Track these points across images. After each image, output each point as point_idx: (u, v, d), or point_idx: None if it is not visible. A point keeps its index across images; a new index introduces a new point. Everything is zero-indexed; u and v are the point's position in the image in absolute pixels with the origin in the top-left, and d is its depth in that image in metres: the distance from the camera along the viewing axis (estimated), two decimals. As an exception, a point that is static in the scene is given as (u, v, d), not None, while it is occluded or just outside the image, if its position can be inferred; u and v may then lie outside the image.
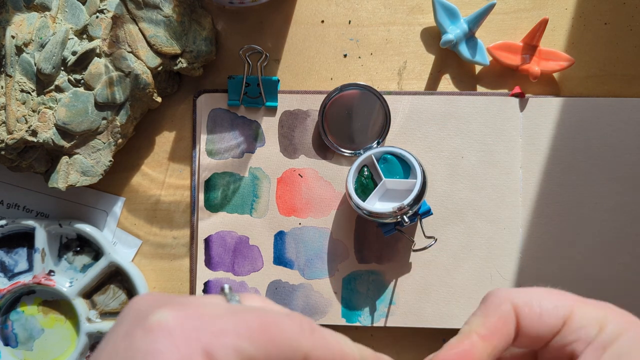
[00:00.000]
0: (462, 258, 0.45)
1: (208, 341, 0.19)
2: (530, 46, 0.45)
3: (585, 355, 0.23)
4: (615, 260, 0.44)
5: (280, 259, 0.45)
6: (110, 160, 0.43)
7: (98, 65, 0.42)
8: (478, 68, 0.46)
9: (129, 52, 0.42)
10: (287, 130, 0.45)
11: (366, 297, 0.45)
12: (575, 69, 0.45)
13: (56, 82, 0.42)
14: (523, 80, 0.45)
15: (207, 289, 0.45)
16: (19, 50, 0.41)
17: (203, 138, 0.45)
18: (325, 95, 0.45)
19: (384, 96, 0.44)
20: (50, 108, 0.42)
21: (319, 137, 0.45)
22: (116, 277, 0.45)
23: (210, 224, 0.45)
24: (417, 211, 0.42)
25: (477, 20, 0.43)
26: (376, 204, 0.42)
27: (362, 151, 0.44)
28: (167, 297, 0.21)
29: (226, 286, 0.23)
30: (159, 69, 0.43)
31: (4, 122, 0.41)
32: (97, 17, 0.42)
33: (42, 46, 0.41)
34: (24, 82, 0.41)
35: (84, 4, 0.42)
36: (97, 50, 0.42)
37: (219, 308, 0.20)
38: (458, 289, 0.45)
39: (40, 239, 0.44)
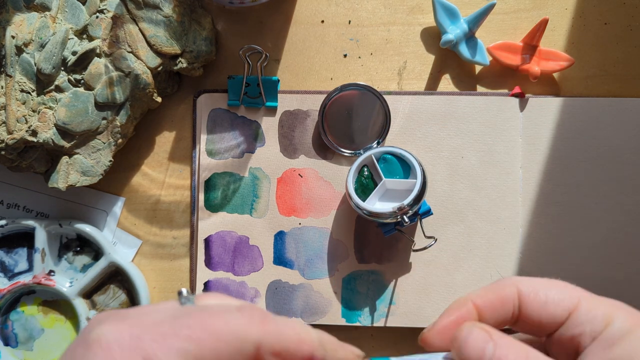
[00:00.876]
0: (462, 258, 0.45)
1: (148, 349, 0.19)
2: (530, 46, 0.45)
3: (591, 350, 0.23)
4: (615, 260, 0.44)
5: (280, 259, 0.45)
6: (110, 160, 0.43)
7: (98, 65, 0.42)
8: (478, 68, 0.46)
9: (129, 52, 0.42)
10: (287, 130, 0.45)
11: (366, 297, 0.45)
12: (575, 69, 0.45)
13: (56, 82, 0.42)
14: (523, 80, 0.45)
15: (207, 289, 0.45)
16: (19, 50, 0.41)
17: (203, 138, 0.45)
18: (325, 95, 0.45)
19: (384, 96, 0.44)
20: (50, 108, 0.42)
21: (319, 137, 0.45)
22: (116, 277, 0.45)
23: (210, 224, 0.45)
24: (417, 211, 0.42)
25: (477, 20, 0.43)
26: (376, 204, 0.42)
27: (362, 151, 0.44)
28: (114, 312, 0.21)
29: (183, 290, 0.23)
30: (159, 69, 0.43)
31: (4, 122, 0.41)
32: (97, 17, 0.42)
33: (42, 46, 0.41)
34: (24, 82, 0.41)
35: (84, 4, 0.42)
36: (97, 50, 0.42)
37: (163, 314, 0.20)
38: (458, 289, 0.45)
39: (40, 239, 0.44)
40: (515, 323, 0.25)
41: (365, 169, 0.43)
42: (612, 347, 0.22)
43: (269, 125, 0.45)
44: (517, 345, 0.23)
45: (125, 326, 0.19)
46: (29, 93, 0.41)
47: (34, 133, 0.41)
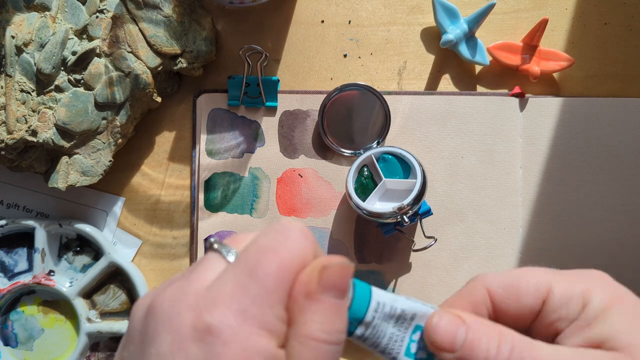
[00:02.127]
0: (462, 258, 0.45)
1: (257, 317, 0.20)
2: (530, 46, 0.45)
3: (569, 331, 0.22)
4: (615, 260, 0.44)
5: (280, 259, 0.45)
6: (110, 160, 0.43)
7: (98, 65, 0.42)
8: (478, 68, 0.46)
9: (129, 52, 0.42)
10: (287, 130, 0.45)
11: (366, 297, 0.45)
12: (575, 69, 0.45)
13: (56, 82, 0.42)
14: (523, 80, 0.45)
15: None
16: (19, 50, 0.41)
17: (203, 138, 0.45)
18: (325, 95, 0.45)
19: (384, 96, 0.44)
20: (50, 108, 0.42)
21: (319, 137, 0.45)
22: (116, 277, 0.45)
23: (210, 224, 0.45)
24: (417, 211, 0.42)
25: (477, 20, 0.43)
26: (376, 204, 0.42)
27: (362, 151, 0.44)
28: (183, 296, 0.21)
29: (213, 241, 0.23)
30: (159, 69, 0.43)
31: (4, 122, 0.41)
32: (97, 17, 0.42)
33: (42, 46, 0.41)
34: (24, 82, 0.41)
35: (84, 4, 0.42)
36: (97, 50, 0.42)
37: (232, 278, 0.21)
38: (458, 289, 0.45)
39: (40, 239, 0.44)
40: (496, 320, 0.24)
41: (365, 169, 0.43)
42: (591, 327, 0.22)
43: (269, 125, 0.45)
44: (491, 327, 0.22)
45: (222, 312, 0.20)
46: (29, 93, 0.41)
47: (34, 133, 0.41)
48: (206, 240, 0.42)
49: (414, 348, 0.24)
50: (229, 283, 0.20)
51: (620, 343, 0.21)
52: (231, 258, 0.22)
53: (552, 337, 0.23)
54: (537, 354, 0.21)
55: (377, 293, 0.23)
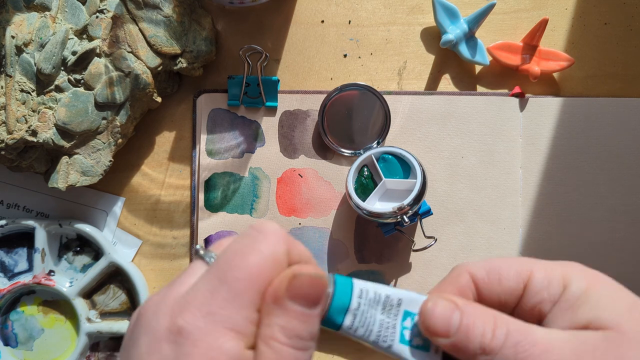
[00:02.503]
0: (462, 258, 0.45)
1: (225, 319, 0.21)
2: (530, 46, 0.45)
3: (554, 315, 0.23)
4: (616, 260, 0.44)
5: (280, 259, 0.45)
6: (110, 160, 0.43)
7: (98, 65, 0.42)
8: (478, 68, 0.46)
9: (129, 52, 0.42)
10: (287, 130, 0.45)
11: (366, 297, 0.45)
12: (575, 69, 0.45)
13: (56, 82, 0.42)
14: (523, 80, 0.45)
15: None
16: (19, 50, 0.41)
17: (203, 138, 0.45)
18: (325, 95, 0.45)
19: (384, 96, 0.44)
20: (50, 108, 0.42)
21: (319, 137, 0.45)
22: (116, 277, 0.45)
23: (210, 224, 0.45)
24: (417, 211, 0.42)
25: (477, 20, 0.43)
26: (376, 204, 0.42)
27: (362, 151, 0.44)
28: (162, 301, 0.22)
29: (199, 247, 0.24)
30: (159, 69, 0.43)
31: (4, 122, 0.41)
32: (97, 17, 0.42)
33: (42, 46, 0.41)
34: (24, 82, 0.41)
35: (84, 4, 0.42)
36: (97, 50, 0.42)
37: (207, 283, 0.22)
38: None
39: (40, 239, 0.44)
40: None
41: (365, 169, 0.43)
42: (574, 309, 0.22)
43: (269, 125, 0.45)
44: (485, 311, 0.23)
45: (192, 315, 0.21)
46: (29, 93, 0.41)
47: (34, 133, 0.41)
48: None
49: (407, 335, 0.24)
50: (202, 288, 0.21)
51: (607, 322, 0.21)
52: (210, 260, 0.23)
53: (536, 321, 0.24)
54: (532, 337, 0.22)
55: (359, 281, 0.24)
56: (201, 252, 0.24)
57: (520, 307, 0.24)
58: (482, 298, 0.24)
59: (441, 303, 0.23)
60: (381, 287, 0.24)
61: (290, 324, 0.21)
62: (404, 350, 0.24)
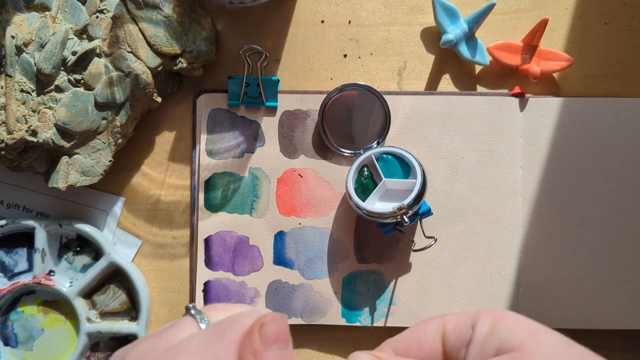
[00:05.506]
0: (462, 258, 0.45)
1: None
2: (530, 46, 0.45)
3: (469, 355, 0.25)
4: (615, 260, 0.44)
5: (280, 259, 0.45)
6: (110, 160, 0.43)
7: (98, 65, 0.42)
8: (478, 68, 0.46)
9: (129, 52, 0.42)
10: (287, 130, 0.45)
11: (366, 297, 0.45)
12: (575, 69, 0.45)
13: (56, 82, 0.42)
14: (523, 80, 0.45)
15: (207, 289, 0.45)
16: (19, 50, 0.41)
17: (203, 138, 0.45)
18: (325, 95, 0.45)
19: (384, 96, 0.44)
20: (50, 108, 0.42)
21: (319, 137, 0.45)
22: (116, 277, 0.45)
23: (210, 224, 0.45)
24: (417, 211, 0.42)
25: (477, 20, 0.43)
26: (376, 204, 0.42)
27: (362, 151, 0.44)
28: (152, 353, 0.23)
29: (191, 306, 0.26)
30: (159, 69, 0.43)
31: (4, 122, 0.41)
32: (97, 17, 0.42)
33: (42, 46, 0.41)
34: (24, 82, 0.41)
35: (84, 4, 0.42)
36: (97, 50, 0.42)
37: (198, 342, 0.23)
38: (458, 289, 0.45)
39: (40, 239, 0.44)
40: None
41: (365, 169, 0.43)
42: (484, 344, 0.25)
43: (269, 125, 0.45)
44: None
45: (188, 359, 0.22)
46: (29, 93, 0.41)
47: (34, 133, 0.41)
48: (206, 290, 0.45)
49: None
50: (196, 342, 0.23)
51: (512, 345, 0.24)
52: (203, 326, 0.25)
53: None
54: None
55: None
56: (193, 312, 0.25)
57: (446, 358, 0.26)
58: None
59: (364, 357, 0.25)
60: None
61: None
62: None
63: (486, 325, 0.25)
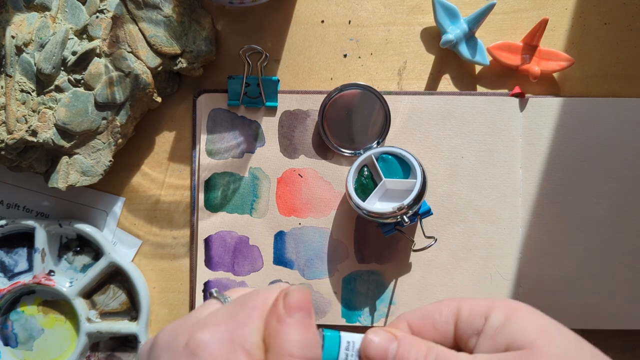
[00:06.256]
0: (462, 258, 0.45)
1: (240, 339, 0.24)
2: (530, 46, 0.45)
3: (479, 344, 0.25)
4: (615, 260, 0.44)
5: (280, 259, 0.45)
6: (110, 160, 0.43)
7: (98, 65, 0.42)
8: (478, 68, 0.46)
9: (129, 52, 0.42)
10: (287, 130, 0.45)
11: (366, 297, 0.45)
12: (575, 69, 0.45)
13: (56, 82, 0.42)
14: (523, 80, 0.45)
15: (207, 289, 0.45)
16: (19, 50, 0.41)
17: (203, 138, 0.45)
18: (325, 95, 0.45)
19: (384, 96, 0.44)
20: (50, 108, 0.42)
21: (319, 137, 0.45)
22: (116, 277, 0.45)
23: (210, 224, 0.45)
24: (417, 211, 0.42)
25: (477, 20, 0.43)
26: (376, 204, 0.42)
27: (362, 151, 0.44)
28: (182, 325, 0.25)
29: (214, 291, 0.28)
30: (159, 69, 0.43)
31: (4, 122, 0.41)
32: (97, 17, 0.42)
33: (42, 46, 0.41)
34: (24, 82, 0.41)
35: (84, 4, 0.42)
36: (97, 50, 0.42)
37: (223, 314, 0.25)
38: (458, 289, 0.45)
39: (40, 239, 0.44)
40: None
41: (365, 169, 0.43)
42: (495, 337, 0.25)
43: (269, 125, 0.45)
44: (420, 342, 0.26)
45: (211, 331, 0.24)
46: (29, 93, 0.41)
47: (34, 133, 0.41)
48: (206, 290, 0.46)
49: None
50: (221, 314, 0.25)
51: (522, 343, 0.24)
52: (224, 300, 0.27)
53: (469, 352, 0.26)
54: None
55: (346, 334, 0.26)
56: (215, 294, 0.27)
57: (456, 342, 0.27)
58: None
59: (381, 333, 0.26)
60: None
61: (298, 335, 0.24)
62: None
63: (499, 318, 0.25)
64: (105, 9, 0.42)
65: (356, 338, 0.26)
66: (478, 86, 0.46)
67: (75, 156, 0.43)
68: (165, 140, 0.46)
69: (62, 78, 0.42)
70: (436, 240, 0.43)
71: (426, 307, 0.28)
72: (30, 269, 0.45)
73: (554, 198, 0.45)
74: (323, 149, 0.45)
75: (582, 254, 0.45)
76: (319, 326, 0.41)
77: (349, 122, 0.44)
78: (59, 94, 0.42)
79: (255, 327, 0.24)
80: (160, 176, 0.46)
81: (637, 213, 0.45)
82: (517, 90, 0.45)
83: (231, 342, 0.23)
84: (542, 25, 0.44)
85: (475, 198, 0.45)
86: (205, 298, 0.45)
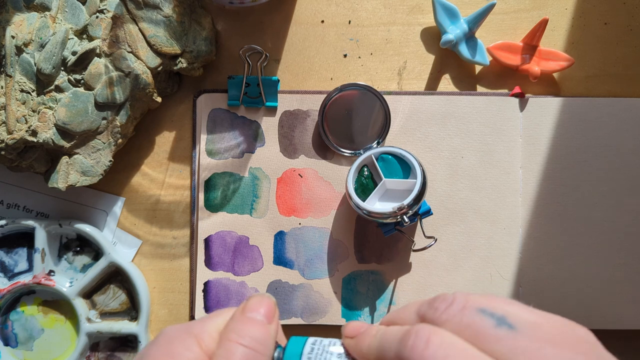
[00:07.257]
0: (462, 258, 0.45)
1: (194, 330, 0.26)
2: (530, 46, 0.45)
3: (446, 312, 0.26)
4: (615, 260, 0.44)
5: (280, 259, 0.45)
6: (110, 160, 0.43)
7: (98, 65, 0.42)
8: (478, 68, 0.46)
9: (129, 52, 0.42)
10: (287, 130, 0.45)
11: (366, 297, 0.45)
12: (575, 69, 0.45)
13: (56, 82, 0.42)
14: (523, 80, 0.45)
15: (207, 289, 0.45)
16: (19, 50, 0.41)
17: (203, 138, 0.45)
18: (325, 95, 0.45)
19: (384, 96, 0.44)
20: (50, 108, 0.42)
21: (319, 137, 0.45)
22: (116, 277, 0.45)
23: (210, 224, 0.45)
24: (417, 211, 0.42)
25: (477, 20, 0.43)
26: (376, 204, 0.42)
27: (362, 151, 0.44)
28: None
29: None
30: (159, 69, 0.43)
31: (4, 122, 0.41)
32: (97, 17, 0.42)
33: (42, 46, 0.41)
34: (24, 82, 0.41)
35: (84, 4, 0.42)
36: (97, 50, 0.42)
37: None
38: (458, 289, 0.45)
39: (40, 239, 0.44)
40: None
41: (365, 169, 0.43)
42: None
43: (269, 125, 0.45)
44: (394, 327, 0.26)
45: (178, 325, 0.27)
46: (29, 93, 0.41)
47: (34, 133, 0.41)
48: (206, 290, 0.46)
49: None
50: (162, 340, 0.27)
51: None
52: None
53: None
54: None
55: (313, 338, 0.27)
56: None
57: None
58: None
59: (357, 322, 0.27)
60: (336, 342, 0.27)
61: (241, 325, 0.26)
62: None
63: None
64: (105, 9, 0.42)
65: (325, 340, 0.27)
66: (478, 86, 0.46)
67: (75, 156, 0.43)
68: (165, 140, 0.46)
69: (62, 78, 0.42)
70: (436, 240, 0.42)
71: (394, 313, 0.28)
72: (30, 269, 0.45)
73: (554, 198, 0.45)
74: (323, 149, 0.45)
75: (582, 254, 0.45)
76: (319, 326, 0.41)
77: (349, 122, 0.44)
78: (59, 94, 0.42)
79: (214, 322, 0.26)
80: (160, 176, 0.46)
81: (638, 213, 0.45)
82: (517, 90, 0.45)
83: (187, 328, 0.26)
84: (542, 25, 0.44)
85: (475, 198, 0.45)
86: (205, 298, 0.45)
